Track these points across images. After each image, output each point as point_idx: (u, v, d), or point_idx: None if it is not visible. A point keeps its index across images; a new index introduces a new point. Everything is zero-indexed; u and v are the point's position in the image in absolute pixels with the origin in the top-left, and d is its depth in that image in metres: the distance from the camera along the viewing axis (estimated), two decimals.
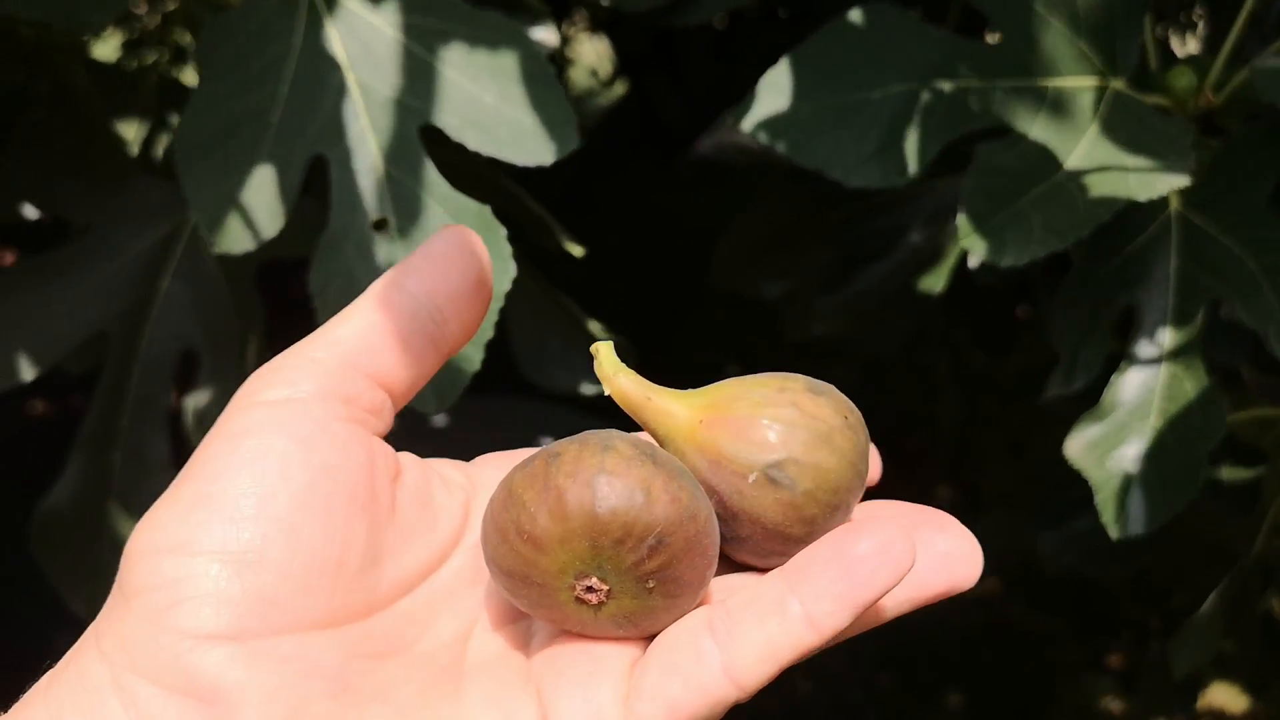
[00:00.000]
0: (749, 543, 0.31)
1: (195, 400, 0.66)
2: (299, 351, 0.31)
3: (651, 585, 0.28)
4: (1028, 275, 1.18)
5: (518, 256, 0.53)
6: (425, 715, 0.28)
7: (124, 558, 0.29)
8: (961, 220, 0.55)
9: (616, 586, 0.28)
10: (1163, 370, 0.61)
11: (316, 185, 0.58)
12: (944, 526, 0.31)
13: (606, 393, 0.81)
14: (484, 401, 2.12)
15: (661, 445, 0.32)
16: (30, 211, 0.77)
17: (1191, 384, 0.60)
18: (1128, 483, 0.60)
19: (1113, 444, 0.61)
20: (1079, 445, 0.61)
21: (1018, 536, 0.91)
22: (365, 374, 0.31)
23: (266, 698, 0.26)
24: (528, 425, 1.91)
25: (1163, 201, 0.66)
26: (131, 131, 0.77)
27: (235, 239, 0.52)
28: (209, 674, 0.26)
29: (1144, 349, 0.63)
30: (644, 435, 0.33)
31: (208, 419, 0.66)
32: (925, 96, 0.60)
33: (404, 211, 0.53)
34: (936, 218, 0.78)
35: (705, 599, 0.31)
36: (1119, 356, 0.64)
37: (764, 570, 0.32)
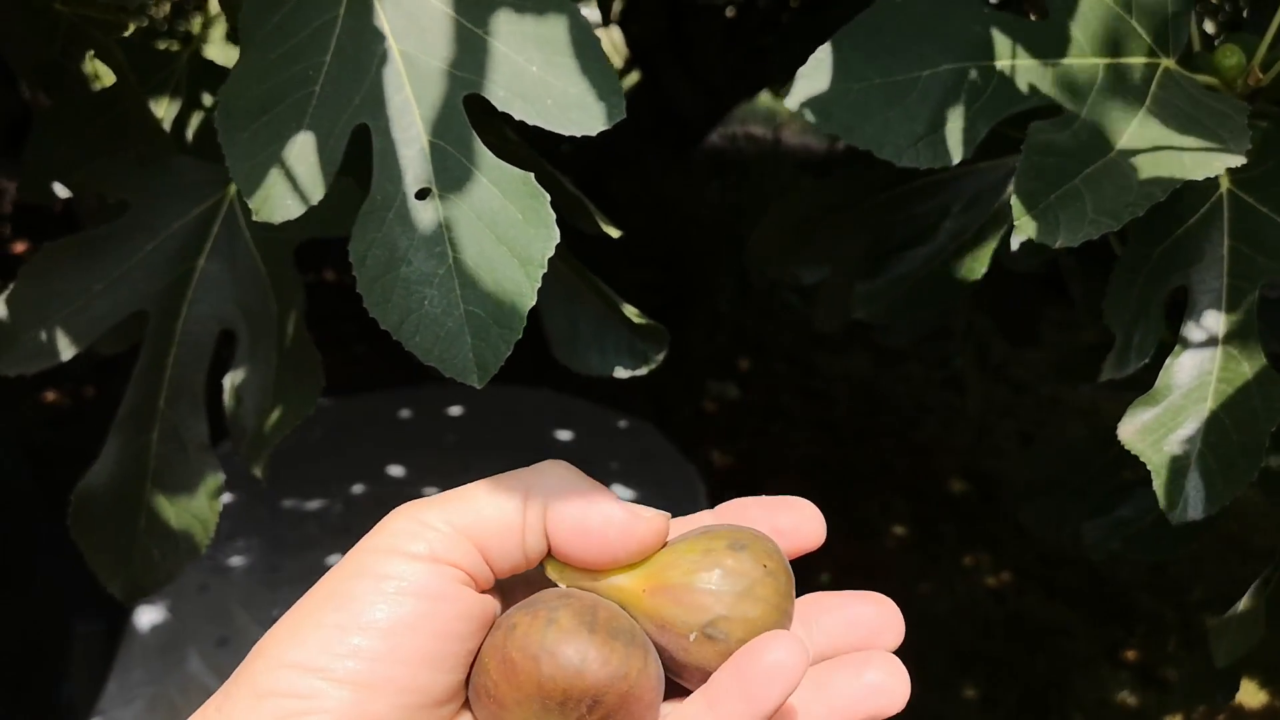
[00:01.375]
0: (700, 685, 0.37)
1: (234, 379, 0.66)
2: (443, 509, 0.36)
3: None
4: (1060, 263, 1.17)
5: None
6: None
7: (259, 657, 0.34)
8: (1014, 200, 0.54)
9: None
10: (1218, 352, 0.60)
11: (354, 164, 0.57)
12: (870, 661, 0.37)
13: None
14: (494, 391, 2.12)
15: None
16: (61, 191, 0.77)
17: (1248, 365, 0.59)
18: (1185, 466, 0.59)
19: (1168, 428, 0.60)
20: (1133, 429, 0.61)
21: (1053, 524, 0.90)
22: (487, 558, 0.36)
23: None
24: (537, 413, 1.92)
25: (1213, 182, 0.65)
26: (162, 110, 0.77)
27: (276, 207, 0.52)
28: None
29: (1197, 331, 0.62)
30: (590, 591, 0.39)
31: (245, 400, 0.66)
32: (974, 75, 0.59)
33: (447, 181, 0.52)
34: (976, 201, 0.77)
35: None
36: (1172, 340, 0.63)
37: None
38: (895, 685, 0.36)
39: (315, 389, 0.64)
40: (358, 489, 1.71)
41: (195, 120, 0.75)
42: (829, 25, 0.60)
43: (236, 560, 1.54)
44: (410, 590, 0.34)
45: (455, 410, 1.91)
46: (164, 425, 0.65)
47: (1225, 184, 0.64)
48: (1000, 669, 2.28)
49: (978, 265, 0.75)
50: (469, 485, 0.37)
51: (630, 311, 0.76)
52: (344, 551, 1.30)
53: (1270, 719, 2.18)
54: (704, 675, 0.36)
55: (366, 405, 1.96)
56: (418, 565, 0.35)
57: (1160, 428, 0.60)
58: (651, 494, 1.67)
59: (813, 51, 0.58)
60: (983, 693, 2.23)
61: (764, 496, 0.41)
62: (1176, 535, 0.79)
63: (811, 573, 2.47)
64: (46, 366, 0.63)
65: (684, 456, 1.80)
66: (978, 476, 2.84)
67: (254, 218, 0.51)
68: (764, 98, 4.07)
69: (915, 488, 2.79)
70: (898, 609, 0.39)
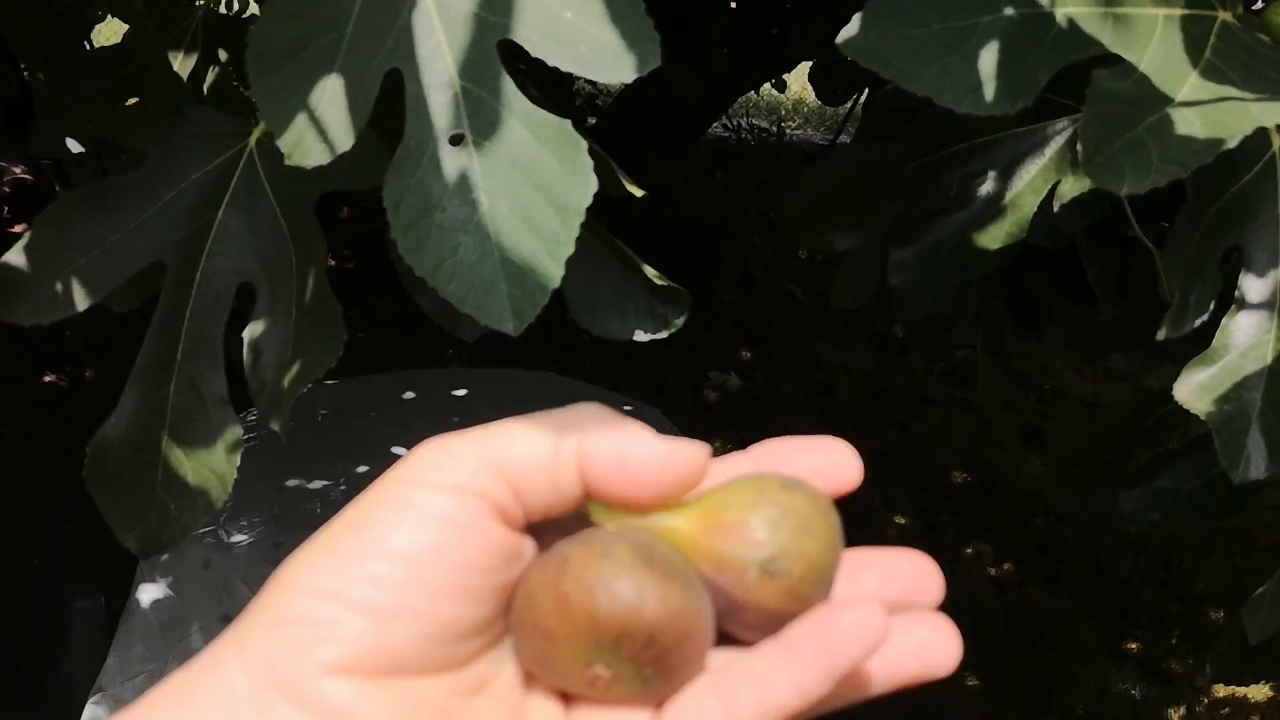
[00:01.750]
0: (757, 628, 0.36)
1: (252, 333, 0.65)
2: (473, 440, 0.35)
3: (648, 673, 0.34)
4: (1076, 243, 1.16)
5: None
6: None
7: (274, 584, 0.33)
8: (1080, 146, 0.53)
9: (619, 672, 0.34)
10: (1276, 310, 0.60)
11: (379, 116, 0.56)
12: (921, 619, 0.36)
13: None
14: (498, 374, 2.11)
15: None
16: (74, 146, 0.75)
17: None
18: (1245, 424, 0.59)
19: (1227, 386, 0.60)
20: (1190, 389, 0.60)
21: (1085, 496, 0.89)
22: (515, 494, 0.35)
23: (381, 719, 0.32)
24: (541, 396, 1.91)
25: (1265, 141, 0.64)
26: (177, 64, 0.76)
27: (309, 152, 0.51)
28: (338, 700, 0.31)
29: (1254, 290, 0.61)
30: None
31: (264, 354, 0.64)
32: (1035, 22, 0.58)
33: (480, 126, 0.51)
34: (1012, 166, 0.76)
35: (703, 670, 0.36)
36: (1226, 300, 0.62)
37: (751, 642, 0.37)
38: (948, 644, 0.35)
39: (337, 342, 0.63)
40: (362, 469, 1.70)
41: (211, 75, 0.74)
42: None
43: (240, 537, 1.52)
44: (433, 519, 0.33)
45: (460, 392, 1.90)
46: (182, 379, 0.64)
47: (1277, 143, 0.64)
48: (1002, 659, 2.28)
49: (1015, 231, 0.75)
50: (501, 421, 0.36)
51: (651, 273, 0.75)
52: None
53: (1274, 713, 2.17)
54: (762, 614, 0.36)
55: (371, 386, 1.94)
56: (443, 494, 0.33)
57: (1219, 386, 0.60)
58: None
59: (831, 30, 0.57)
60: (985, 683, 2.22)
61: (798, 436, 0.39)
62: (1217, 505, 0.79)
63: None
64: (62, 316, 0.62)
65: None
66: (979, 468, 2.83)
67: (286, 162, 0.50)
68: (767, 90, 4.06)
69: (917, 479, 2.79)
70: (937, 566, 0.37)
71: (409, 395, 1.89)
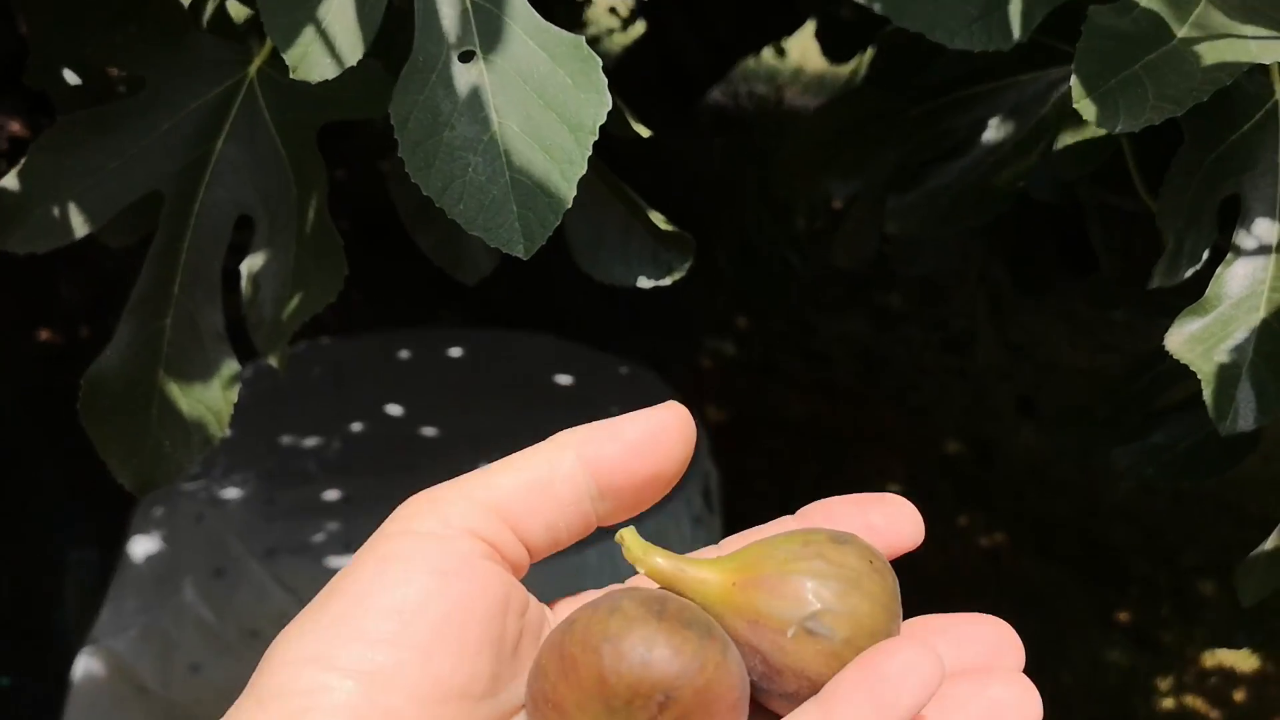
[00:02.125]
0: (797, 698, 0.32)
1: (251, 266, 0.64)
2: (458, 486, 0.33)
3: None
4: (1081, 200, 1.15)
5: None
6: None
7: (263, 663, 0.31)
8: (1074, 83, 0.52)
9: None
10: (1271, 261, 0.59)
11: (381, 45, 0.55)
12: (995, 676, 0.32)
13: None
14: (495, 336, 2.10)
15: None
16: (71, 78, 0.74)
17: None
18: (1236, 376, 0.58)
19: (1219, 337, 0.59)
20: (1181, 339, 0.59)
21: (1081, 452, 0.89)
22: (512, 528, 0.33)
23: None
24: (537, 357, 1.90)
25: (1267, 89, 0.63)
26: None
27: (314, 66, 0.49)
28: None
29: (1249, 240, 0.60)
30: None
31: (263, 287, 0.63)
32: None
33: (491, 43, 0.50)
34: (1015, 114, 0.75)
35: None
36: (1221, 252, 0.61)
37: None
38: (1025, 703, 0.31)
39: (338, 276, 0.62)
40: (356, 427, 1.69)
41: (211, 3, 0.73)
42: None
43: (232, 493, 1.51)
44: (420, 567, 0.31)
45: (455, 352, 1.89)
46: (178, 312, 0.63)
47: (1279, 91, 0.63)
48: None
49: (1016, 179, 0.74)
50: (483, 467, 0.34)
51: (656, 218, 0.74)
52: (341, 488, 1.28)
53: (1261, 683, 2.18)
54: (801, 680, 0.32)
55: (365, 345, 1.93)
56: (428, 541, 0.32)
57: (1210, 337, 0.59)
58: None
59: None
60: None
61: (852, 494, 0.37)
62: (1210, 462, 0.78)
63: None
64: (59, 245, 0.61)
65: (686, 405, 1.78)
66: (975, 439, 2.83)
67: (291, 75, 0.49)
68: (768, 57, 4.04)
69: (911, 449, 2.79)
70: (1013, 631, 0.34)
71: (404, 355, 1.88)
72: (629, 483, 0.34)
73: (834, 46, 1.39)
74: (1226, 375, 0.58)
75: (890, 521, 0.35)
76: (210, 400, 0.63)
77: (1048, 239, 1.51)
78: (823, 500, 0.37)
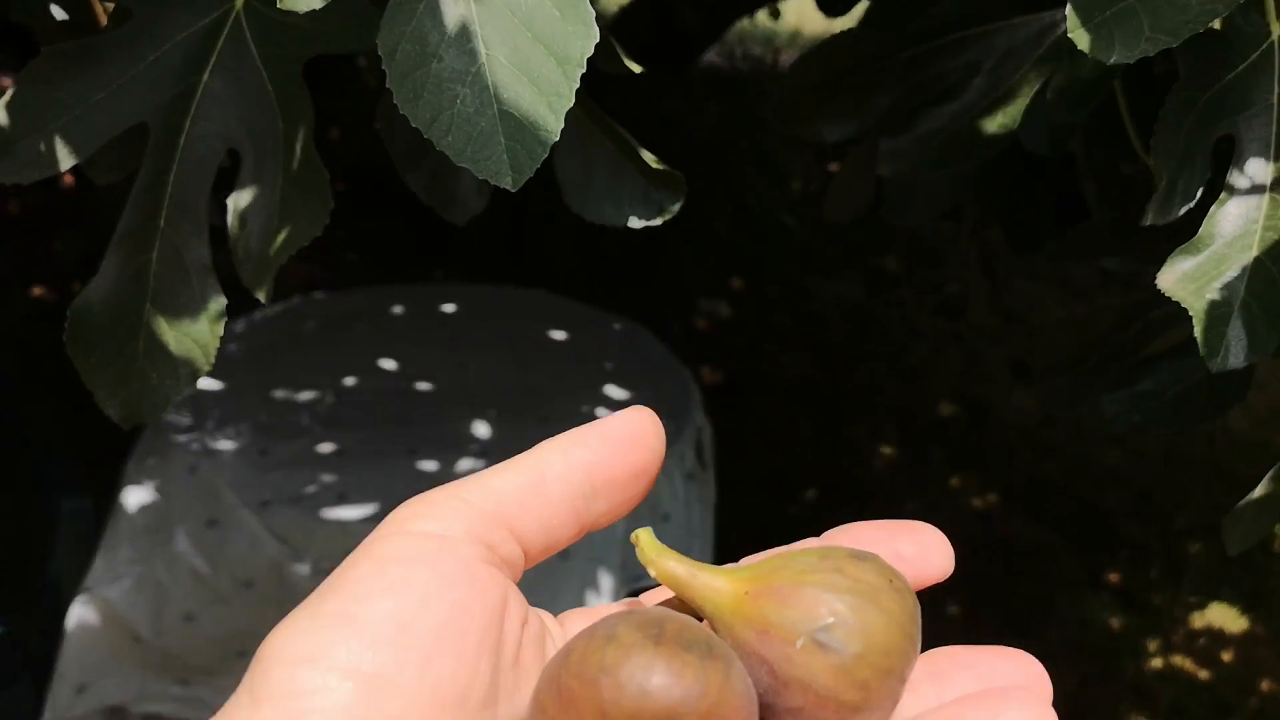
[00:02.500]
0: (803, 714, 0.31)
1: (237, 201, 0.63)
2: (454, 491, 0.33)
3: None
4: (1075, 156, 1.15)
5: None
6: None
7: (257, 661, 0.30)
8: (1069, 12, 0.52)
9: None
10: (1264, 200, 0.59)
11: None
12: (1008, 696, 0.31)
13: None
14: (488, 291, 2.09)
15: (709, 619, 0.34)
16: (58, 13, 0.74)
17: None
18: (1227, 313, 0.58)
19: (1211, 275, 0.59)
20: (1173, 277, 0.59)
21: (1069, 402, 0.89)
22: (509, 529, 0.33)
23: None
24: (531, 313, 1.90)
25: (1263, 29, 0.63)
26: None
27: None
28: None
29: (1242, 179, 0.61)
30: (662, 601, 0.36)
31: (250, 222, 0.63)
32: None
33: None
34: (1009, 57, 0.75)
35: None
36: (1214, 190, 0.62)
37: None
38: None
39: (323, 209, 0.62)
40: (349, 381, 1.69)
41: None
42: None
43: (226, 445, 1.52)
44: (418, 568, 0.31)
45: (449, 307, 1.88)
46: (164, 245, 0.63)
47: (1276, 31, 0.63)
48: (984, 589, 2.30)
49: (1009, 122, 0.73)
50: (473, 475, 0.34)
51: (647, 157, 0.74)
52: (334, 440, 1.29)
53: (1250, 644, 2.20)
54: (808, 693, 0.31)
55: (359, 300, 1.93)
56: (428, 543, 0.31)
57: (1202, 275, 0.59)
58: (646, 395, 1.65)
59: None
60: (965, 612, 2.25)
61: (881, 520, 0.36)
62: (1199, 408, 0.79)
63: (797, 491, 2.47)
64: (45, 175, 0.60)
65: (679, 360, 1.78)
66: (968, 402, 2.84)
67: (279, 5, 0.49)
68: (763, 18, 4.01)
69: (905, 411, 2.80)
70: (1042, 667, 0.33)
71: (397, 310, 1.88)
72: (617, 479, 0.34)
73: (830, 2, 1.38)
74: (1218, 313, 0.59)
75: (920, 551, 0.35)
76: (197, 334, 0.63)
77: (1042, 196, 1.50)
78: (851, 524, 0.36)
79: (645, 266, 2.77)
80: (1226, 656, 2.17)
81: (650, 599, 0.37)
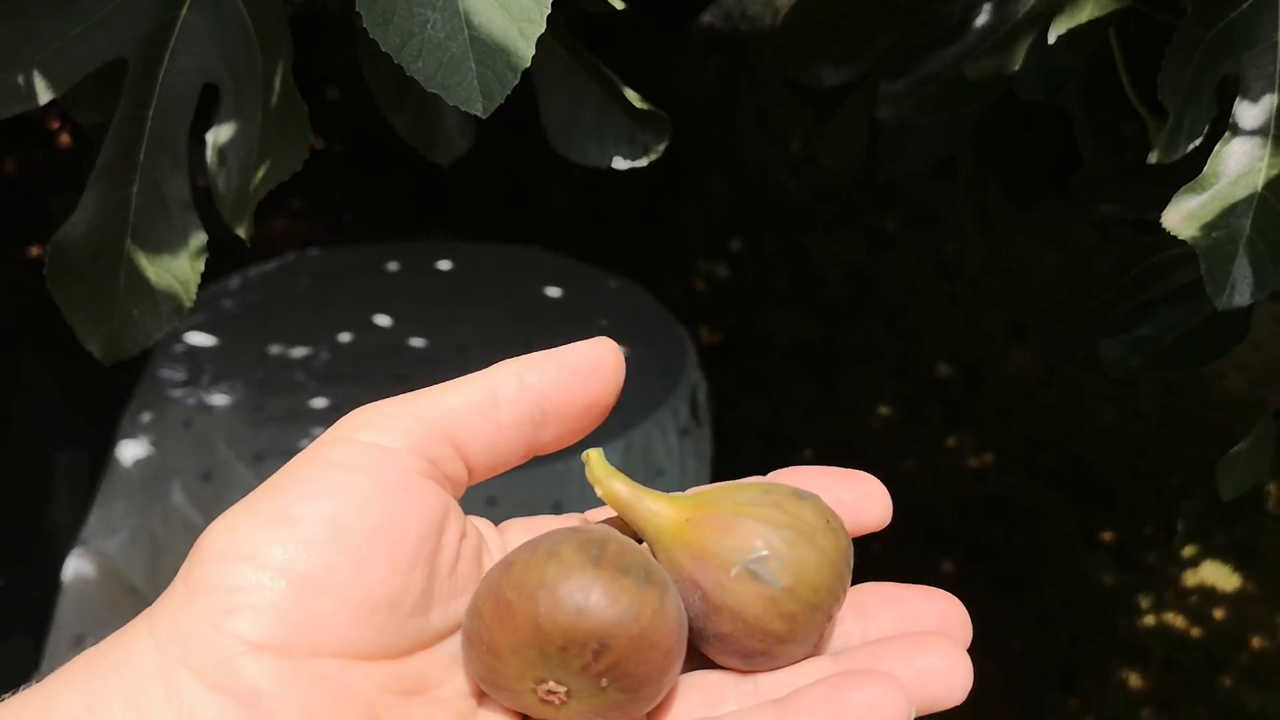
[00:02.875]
0: (730, 640, 0.32)
1: (217, 136, 0.63)
2: (404, 403, 0.33)
3: (605, 684, 0.30)
4: (1069, 110, 1.14)
5: (551, 18, 0.49)
6: None
7: (194, 553, 0.31)
8: None
9: (574, 687, 0.30)
10: (1269, 138, 0.59)
11: None
12: (926, 644, 0.31)
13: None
14: (483, 248, 2.09)
15: (649, 543, 0.34)
16: None
17: None
18: (1233, 251, 0.58)
19: (1216, 214, 0.59)
20: (1178, 216, 0.60)
21: (1066, 348, 0.89)
22: (455, 446, 0.33)
23: (301, 712, 0.28)
24: (527, 270, 1.89)
25: None
26: None
27: None
28: (253, 680, 0.28)
29: (1247, 118, 0.61)
30: (602, 521, 0.36)
31: (229, 157, 0.63)
32: None
33: None
34: (1008, 0, 0.74)
35: (672, 694, 0.32)
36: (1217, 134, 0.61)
37: (744, 672, 0.33)
38: (954, 672, 0.31)
39: (302, 144, 0.62)
40: (344, 337, 1.69)
41: None
42: None
43: (220, 399, 1.52)
44: (357, 475, 0.31)
45: (444, 265, 1.88)
46: (144, 180, 0.62)
47: None
48: (979, 547, 2.31)
49: (1009, 64, 0.73)
50: (430, 387, 0.35)
51: (632, 96, 0.73)
52: (329, 396, 1.29)
53: (1242, 601, 2.21)
54: (737, 623, 0.32)
55: (354, 256, 1.93)
56: (369, 451, 0.32)
57: (1207, 213, 0.59)
58: (641, 352, 1.65)
59: None
60: (960, 569, 2.26)
61: (826, 466, 0.37)
62: (1197, 352, 0.79)
63: (794, 449, 2.48)
64: (24, 110, 0.60)
65: (674, 318, 1.78)
66: (965, 362, 2.84)
67: None
68: None
69: (902, 370, 2.80)
70: (964, 609, 0.34)
71: (392, 267, 1.88)
72: (569, 408, 0.34)
73: None
74: (1223, 251, 0.59)
75: (860, 499, 0.35)
76: (178, 270, 0.63)
77: (1036, 150, 1.50)
78: (796, 467, 0.37)
79: (643, 228, 2.76)
80: (1219, 613, 2.18)
81: (595, 516, 0.38)
